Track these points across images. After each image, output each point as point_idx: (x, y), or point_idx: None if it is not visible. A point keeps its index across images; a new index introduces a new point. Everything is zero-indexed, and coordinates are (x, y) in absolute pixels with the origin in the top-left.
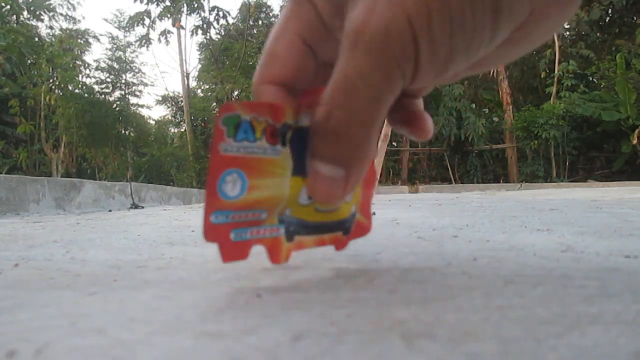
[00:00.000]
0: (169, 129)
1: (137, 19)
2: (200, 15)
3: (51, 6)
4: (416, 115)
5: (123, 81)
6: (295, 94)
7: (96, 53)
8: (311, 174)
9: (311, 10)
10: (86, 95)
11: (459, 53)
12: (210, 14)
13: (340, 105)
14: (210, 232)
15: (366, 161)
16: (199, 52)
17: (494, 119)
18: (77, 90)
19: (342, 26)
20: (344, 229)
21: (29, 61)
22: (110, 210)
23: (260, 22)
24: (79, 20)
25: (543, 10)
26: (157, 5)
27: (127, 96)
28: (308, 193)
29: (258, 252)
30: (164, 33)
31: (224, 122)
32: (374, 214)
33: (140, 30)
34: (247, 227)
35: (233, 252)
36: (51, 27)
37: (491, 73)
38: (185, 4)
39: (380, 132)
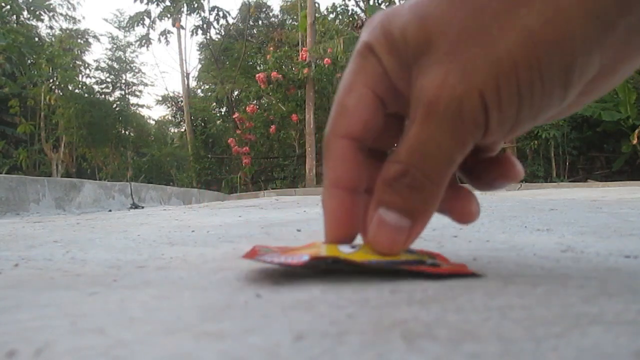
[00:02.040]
0: (169, 129)
1: (137, 19)
2: (200, 15)
3: (51, 6)
4: (505, 159)
5: (123, 81)
6: (364, 149)
7: (96, 53)
8: (375, 222)
9: (377, 64)
10: (86, 95)
11: (528, 117)
12: (210, 14)
13: (416, 166)
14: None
15: (431, 214)
16: (199, 52)
17: None
18: (77, 90)
19: (407, 83)
20: (424, 264)
21: (29, 61)
22: (110, 211)
23: (260, 22)
24: (79, 20)
25: (611, 65)
26: (157, 5)
27: (127, 96)
28: (368, 242)
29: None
30: (164, 33)
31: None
32: None
33: (140, 30)
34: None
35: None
36: (51, 27)
37: None
38: (185, 4)
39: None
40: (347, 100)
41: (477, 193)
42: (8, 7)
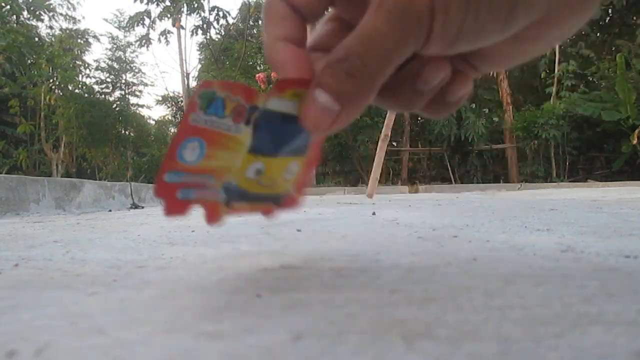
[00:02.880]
0: (169, 129)
1: (137, 19)
2: (200, 15)
3: (51, 6)
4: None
5: (123, 81)
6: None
7: (96, 53)
8: (309, 101)
9: None
10: (86, 95)
11: (470, 33)
12: (210, 14)
13: (356, 53)
14: (161, 189)
15: (360, 105)
16: (199, 52)
17: (494, 119)
18: (77, 90)
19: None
20: (276, 201)
21: (29, 61)
22: (110, 210)
23: (260, 22)
24: (79, 20)
25: (559, 11)
26: (157, 5)
27: (127, 96)
28: (300, 119)
29: (257, 252)
30: (164, 33)
31: (200, 96)
32: (373, 214)
33: (140, 30)
34: (192, 188)
35: (175, 208)
36: (51, 27)
37: (491, 73)
38: (185, 4)
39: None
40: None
41: (478, 193)
42: (8, 7)
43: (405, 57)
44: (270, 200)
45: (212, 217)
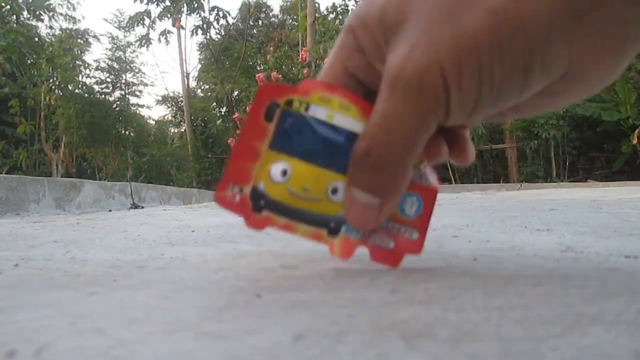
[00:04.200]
0: (169, 129)
1: (137, 19)
2: (200, 15)
3: (51, 6)
4: (459, 138)
5: (123, 81)
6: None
7: (96, 53)
8: (348, 200)
9: (354, 42)
10: (86, 95)
11: (487, 101)
12: (210, 14)
13: (379, 142)
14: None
15: (400, 192)
16: (199, 52)
17: None
18: (77, 90)
19: (381, 60)
20: (327, 228)
21: (29, 61)
22: (110, 210)
23: (260, 22)
24: (79, 20)
25: (585, 66)
26: (157, 5)
27: (127, 96)
28: (344, 216)
29: (257, 252)
30: (164, 33)
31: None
32: None
33: (140, 30)
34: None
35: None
36: (51, 27)
37: None
38: (185, 4)
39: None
40: (324, 71)
41: (478, 193)
42: (8, 7)
43: (430, 135)
44: (317, 224)
45: (247, 220)
